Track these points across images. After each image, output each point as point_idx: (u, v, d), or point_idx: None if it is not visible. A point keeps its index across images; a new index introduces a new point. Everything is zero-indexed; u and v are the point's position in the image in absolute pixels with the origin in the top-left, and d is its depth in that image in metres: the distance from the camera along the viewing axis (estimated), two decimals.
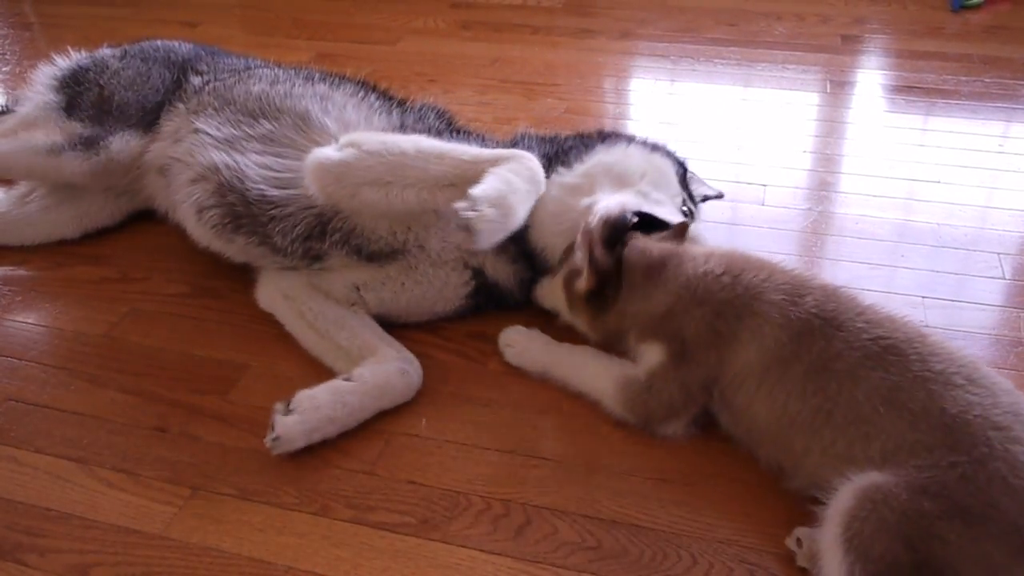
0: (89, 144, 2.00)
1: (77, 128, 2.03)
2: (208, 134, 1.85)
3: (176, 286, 1.97)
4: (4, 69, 3.24)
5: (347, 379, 1.56)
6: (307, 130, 1.82)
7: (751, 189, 2.34)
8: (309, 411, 1.49)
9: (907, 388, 1.25)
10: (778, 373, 1.37)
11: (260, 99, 1.89)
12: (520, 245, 1.75)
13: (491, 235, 1.51)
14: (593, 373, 1.60)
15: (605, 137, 1.88)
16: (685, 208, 1.81)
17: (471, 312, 1.82)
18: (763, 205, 2.28)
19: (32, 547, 1.36)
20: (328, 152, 1.65)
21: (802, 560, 1.29)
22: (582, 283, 1.55)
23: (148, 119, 2.01)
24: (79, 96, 2.08)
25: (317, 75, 1.98)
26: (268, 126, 1.84)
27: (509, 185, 1.55)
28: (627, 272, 1.54)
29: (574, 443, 1.55)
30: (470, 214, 1.47)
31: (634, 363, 1.56)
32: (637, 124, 2.77)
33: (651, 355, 1.51)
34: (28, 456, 1.52)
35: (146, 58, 2.12)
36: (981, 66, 3.08)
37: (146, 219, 2.14)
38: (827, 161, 2.53)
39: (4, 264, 2.07)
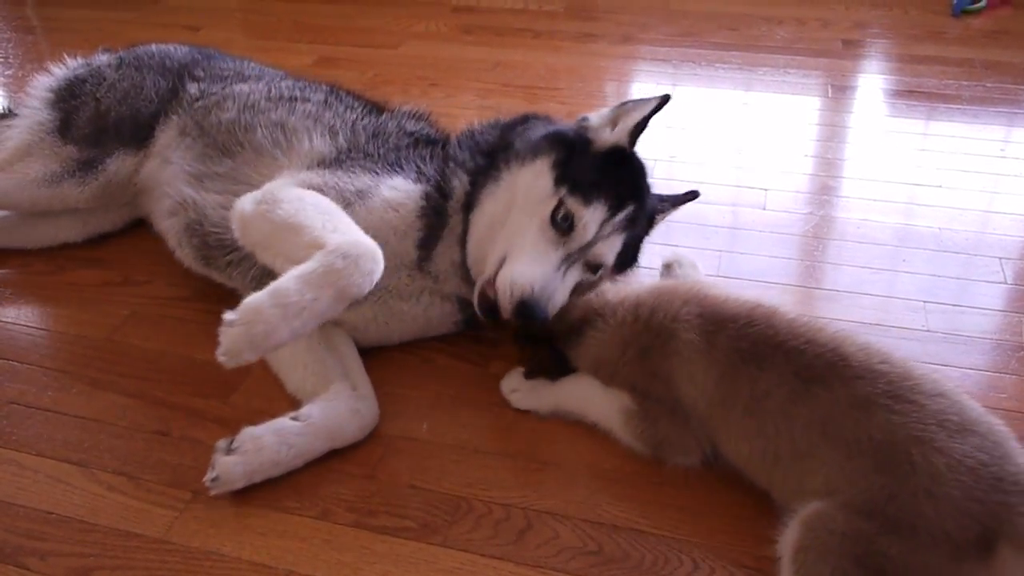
0: (86, 169, 2.00)
1: (73, 152, 2.02)
2: (180, 167, 1.86)
3: (178, 289, 1.97)
4: (7, 73, 3.25)
5: (295, 418, 1.50)
6: (259, 165, 1.79)
7: (752, 193, 2.35)
8: (251, 453, 1.44)
9: (835, 419, 1.26)
10: (722, 414, 1.38)
11: (228, 130, 1.87)
12: None
13: (235, 354, 1.35)
14: (599, 405, 1.56)
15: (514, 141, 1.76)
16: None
17: (467, 329, 1.80)
18: (764, 209, 2.28)
19: (33, 550, 1.36)
20: (245, 203, 1.59)
21: None
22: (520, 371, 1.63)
23: (143, 133, 2.00)
24: (75, 113, 2.06)
25: (285, 94, 1.92)
26: (230, 163, 1.82)
27: (277, 301, 1.37)
28: (558, 336, 1.57)
29: (575, 447, 1.54)
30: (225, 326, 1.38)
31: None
32: None
33: (614, 399, 1.52)
34: (29, 459, 1.52)
35: (140, 66, 2.10)
36: (982, 71, 3.09)
37: (147, 224, 2.13)
38: (828, 165, 2.53)
39: (6, 267, 2.07)
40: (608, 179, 1.63)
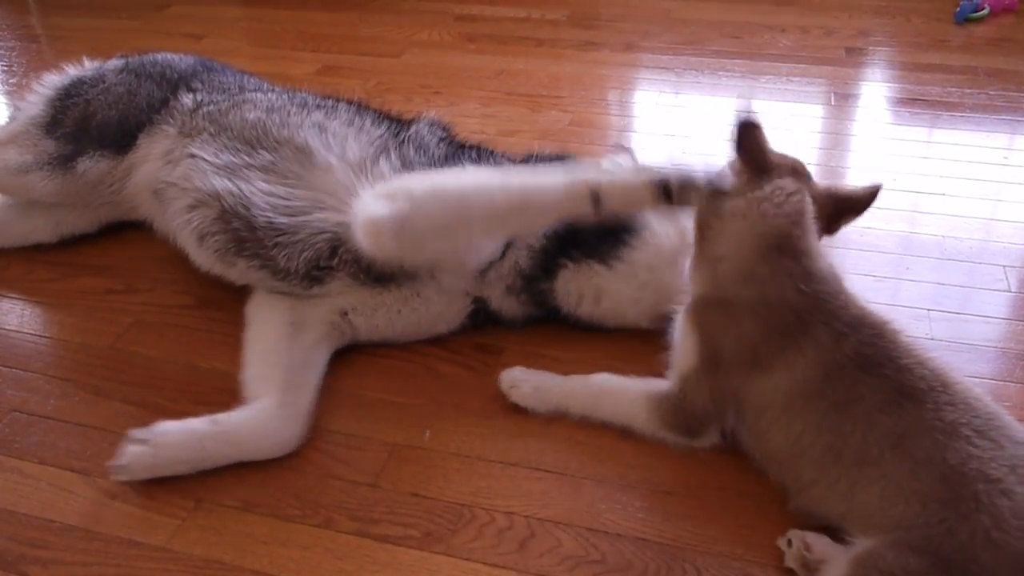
0: (56, 164, 2.02)
1: (50, 147, 2.04)
2: (206, 160, 1.82)
3: (181, 297, 1.97)
4: (11, 81, 3.26)
5: (213, 422, 1.52)
6: (310, 165, 1.77)
7: None
8: (160, 447, 1.46)
9: (915, 436, 1.25)
10: (800, 406, 1.36)
11: (256, 128, 1.85)
12: (537, 295, 1.78)
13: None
14: (618, 400, 1.56)
15: None
16: None
17: (468, 329, 1.81)
18: None
19: (35, 559, 1.35)
20: (377, 209, 1.52)
21: (790, 560, 1.30)
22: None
23: (125, 140, 2.01)
24: (65, 111, 2.07)
25: (311, 100, 1.94)
26: (268, 156, 1.80)
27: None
28: (751, 209, 1.43)
29: (578, 456, 1.54)
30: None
31: (663, 371, 1.54)
32: (641, 136, 2.77)
33: (685, 352, 1.47)
34: (32, 467, 1.52)
35: (140, 74, 2.10)
36: (985, 78, 3.08)
37: (150, 230, 2.13)
38: (832, 173, 2.52)
39: (9, 275, 2.07)
40: None
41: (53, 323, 1.93)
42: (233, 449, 1.51)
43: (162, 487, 1.47)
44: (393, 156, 1.78)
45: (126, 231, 2.17)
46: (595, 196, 1.49)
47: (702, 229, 1.48)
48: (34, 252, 2.13)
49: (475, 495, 1.46)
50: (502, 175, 1.59)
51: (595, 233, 1.74)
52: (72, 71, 2.19)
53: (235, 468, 1.51)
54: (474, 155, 1.85)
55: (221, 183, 1.77)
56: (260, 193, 1.75)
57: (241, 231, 1.75)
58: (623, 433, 1.57)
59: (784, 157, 1.51)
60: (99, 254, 2.13)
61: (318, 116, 1.86)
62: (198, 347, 1.81)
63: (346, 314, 1.75)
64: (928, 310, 1.89)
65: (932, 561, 1.15)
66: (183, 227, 1.84)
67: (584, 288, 1.76)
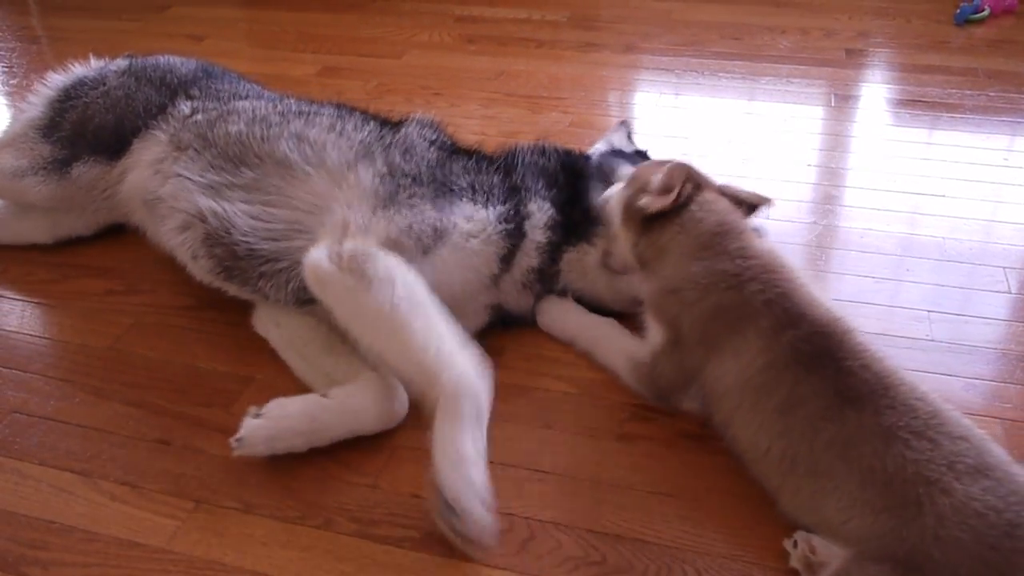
0: (51, 169, 2.03)
1: (46, 151, 2.05)
2: (191, 179, 1.81)
3: (181, 298, 1.97)
4: (11, 82, 3.26)
5: (324, 395, 1.54)
6: (290, 178, 1.75)
7: None
8: (277, 419, 1.49)
9: (857, 444, 1.26)
10: (752, 400, 1.38)
11: (239, 143, 1.82)
12: (547, 281, 1.82)
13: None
14: (611, 348, 1.69)
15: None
16: None
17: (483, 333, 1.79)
18: (767, 218, 2.27)
19: (35, 560, 1.35)
20: (322, 260, 1.54)
21: (794, 561, 1.30)
22: (653, 203, 1.53)
23: (119, 145, 2.01)
24: (64, 114, 2.08)
25: (294, 107, 1.92)
26: (250, 174, 1.77)
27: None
28: (687, 222, 1.53)
29: (577, 457, 1.54)
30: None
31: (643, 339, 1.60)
32: (641, 137, 2.77)
33: (654, 334, 1.54)
34: (31, 468, 1.52)
35: (141, 77, 2.10)
36: (985, 80, 3.09)
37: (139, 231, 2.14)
38: (832, 175, 2.53)
39: (9, 276, 2.07)
40: None
41: (53, 324, 1.93)
42: (346, 419, 1.53)
43: (162, 488, 1.48)
44: (379, 161, 1.73)
45: (126, 233, 2.17)
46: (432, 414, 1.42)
47: (643, 260, 1.59)
48: (34, 253, 2.13)
49: None
50: (427, 336, 1.47)
51: (585, 217, 1.82)
52: (77, 70, 2.19)
53: (235, 469, 1.51)
54: (465, 163, 1.81)
55: (205, 202, 1.76)
56: (241, 215, 1.73)
57: (225, 259, 1.74)
58: (622, 435, 1.57)
59: (681, 168, 1.56)
60: (99, 255, 2.13)
61: (297, 125, 1.83)
62: (198, 348, 1.81)
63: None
64: (928, 311, 1.89)
65: (891, 566, 1.17)
66: (178, 247, 1.84)
67: (579, 266, 1.83)
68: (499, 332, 1.80)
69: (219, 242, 1.73)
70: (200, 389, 1.70)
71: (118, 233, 2.18)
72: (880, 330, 1.82)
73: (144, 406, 1.66)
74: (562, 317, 1.81)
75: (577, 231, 1.82)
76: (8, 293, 2.02)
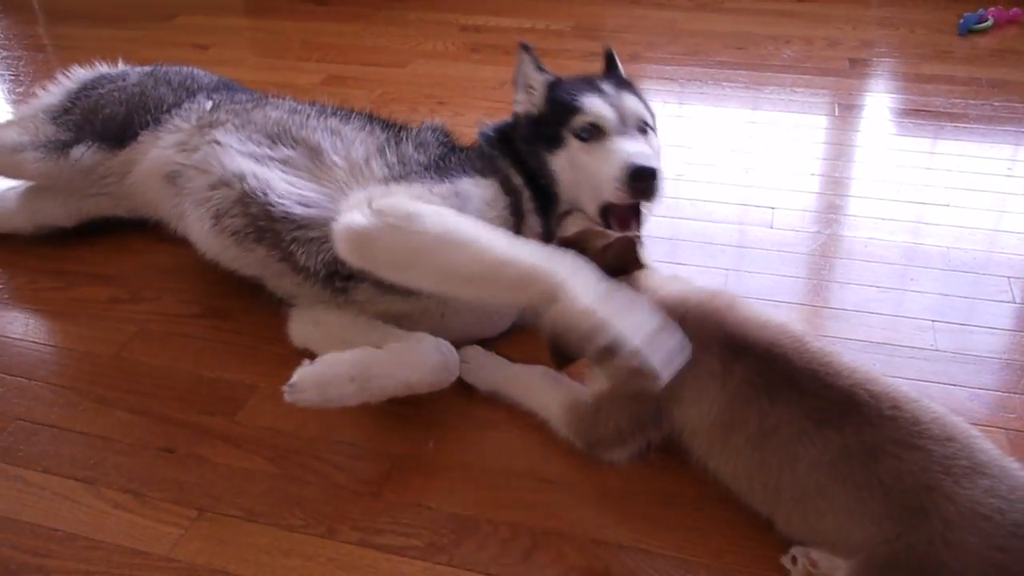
0: (51, 148, 2.06)
1: (50, 131, 2.08)
2: (232, 146, 1.85)
3: (186, 307, 1.97)
4: (18, 90, 3.27)
5: (379, 347, 1.55)
6: (321, 163, 1.80)
7: (759, 212, 2.35)
8: (330, 364, 1.49)
9: (844, 462, 1.25)
10: (722, 439, 1.37)
11: (279, 124, 1.89)
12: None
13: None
14: (541, 394, 1.61)
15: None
16: None
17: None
18: (771, 228, 2.28)
19: (38, 568, 1.35)
20: (354, 217, 1.50)
21: None
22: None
23: (126, 136, 2.03)
24: (77, 102, 2.12)
25: (329, 109, 1.97)
26: (287, 152, 1.83)
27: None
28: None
29: (582, 467, 1.54)
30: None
31: (586, 384, 1.57)
32: None
33: (600, 379, 1.51)
34: (35, 476, 1.52)
35: (160, 79, 2.14)
36: (989, 89, 3.09)
37: (156, 238, 2.14)
38: (836, 184, 2.53)
39: (13, 283, 2.08)
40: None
41: (57, 332, 1.93)
42: (401, 370, 1.52)
43: (165, 496, 1.48)
44: (389, 155, 1.80)
45: (130, 240, 2.18)
46: (551, 301, 1.36)
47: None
48: (39, 261, 2.14)
49: (479, 506, 1.46)
50: (490, 239, 1.45)
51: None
52: (101, 67, 2.24)
53: (239, 477, 1.51)
54: (464, 155, 1.84)
55: (248, 164, 1.80)
56: (280, 181, 1.77)
57: (259, 218, 1.75)
58: None
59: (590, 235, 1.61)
60: (104, 263, 2.13)
61: (333, 121, 1.89)
62: (203, 356, 1.81)
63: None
64: (932, 321, 1.89)
65: (904, 573, 1.17)
66: (199, 206, 1.84)
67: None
68: (500, 337, 1.80)
69: (256, 200, 1.75)
70: (204, 397, 1.70)
71: (123, 240, 2.19)
72: (884, 340, 1.82)
73: (148, 414, 1.66)
74: (485, 365, 1.70)
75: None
76: (13, 300, 2.02)
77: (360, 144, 1.83)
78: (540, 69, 1.87)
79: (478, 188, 1.72)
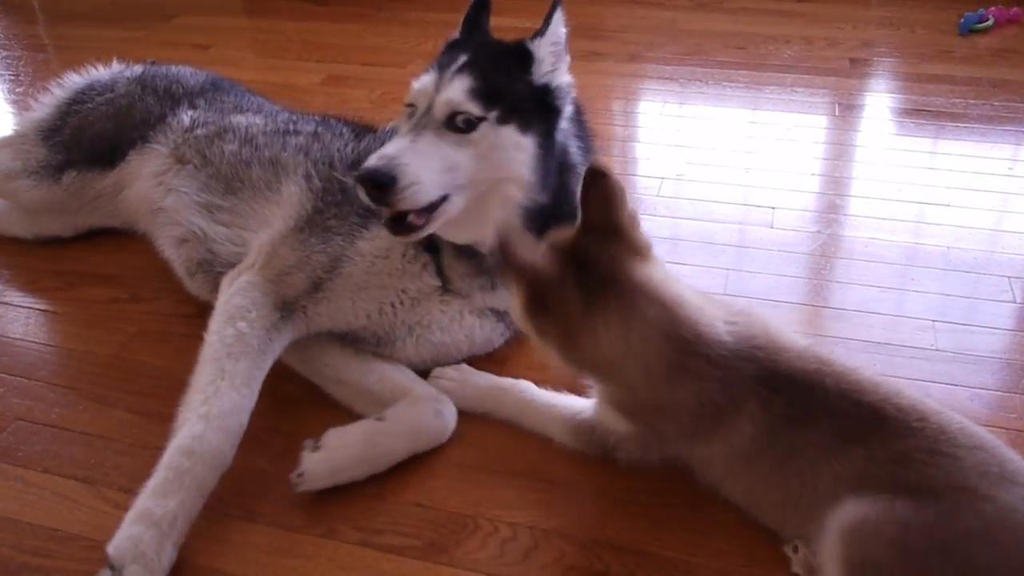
0: (43, 173, 2.06)
1: (41, 154, 2.08)
2: (187, 195, 1.87)
3: (185, 307, 1.97)
4: (17, 91, 3.27)
5: (379, 419, 1.52)
6: (257, 205, 1.79)
7: (760, 212, 2.34)
8: (337, 449, 1.46)
9: (872, 474, 1.23)
10: (742, 466, 1.35)
11: (231, 164, 1.87)
12: None
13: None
14: (540, 416, 1.57)
15: None
16: None
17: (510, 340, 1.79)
18: (772, 228, 2.28)
19: (38, 568, 1.35)
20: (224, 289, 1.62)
21: (796, 567, 1.30)
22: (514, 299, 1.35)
23: (114, 156, 2.04)
24: (68, 117, 2.11)
25: (280, 126, 1.93)
26: (233, 200, 1.83)
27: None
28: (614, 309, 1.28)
29: (582, 467, 1.54)
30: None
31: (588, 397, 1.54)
32: (645, 146, 2.77)
33: (609, 414, 1.43)
34: (35, 476, 1.52)
35: (146, 86, 2.12)
36: (990, 89, 3.09)
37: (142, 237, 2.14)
38: (836, 184, 2.52)
39: (14, 284, 2.08)
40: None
41: (58, 332, 1.93)
42: (405, 440, 1.51)
43: None
44: (316, 179, 1.77)
45: (130, 241, 2.18)
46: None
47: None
48: (39, 261, 2.14)
49: (478, 505, 1.46)
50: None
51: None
52: (94, 72, 2.22)
53: (239, 477, 1.50)
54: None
55: (197, 222, 1.82)
56: (222, 240, 1.79)
57: (213, 277, 1.76)
58: None
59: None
60: (104, 263, 2.13)
61: (274, 150, 1.86)
62: None
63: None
64: (933, 321, 1.89)
65: (938, 554, 1.15)
66: (176, 259, 1.89)
67: None
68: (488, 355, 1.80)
69: (207, 269, 1.80)
70: None
71: (123, 241, 2.19)
72: (885, 340, 1.82)
73: (148, 414, 1.66)
74: (468, 384, 1.64)
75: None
76: (13, 301, 2.02)
77: (288, 175, 1.80)
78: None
79: (370, 242, 1.66)
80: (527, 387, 1.63)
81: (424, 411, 1.54)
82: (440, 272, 1.66)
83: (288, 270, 1.62)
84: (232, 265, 1.72)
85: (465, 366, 1.69)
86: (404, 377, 1.64)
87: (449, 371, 1.67)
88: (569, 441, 1.54)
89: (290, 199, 1.75)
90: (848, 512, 1.20)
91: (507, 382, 1.64)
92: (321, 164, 1.78)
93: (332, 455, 1.45)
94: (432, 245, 1.65)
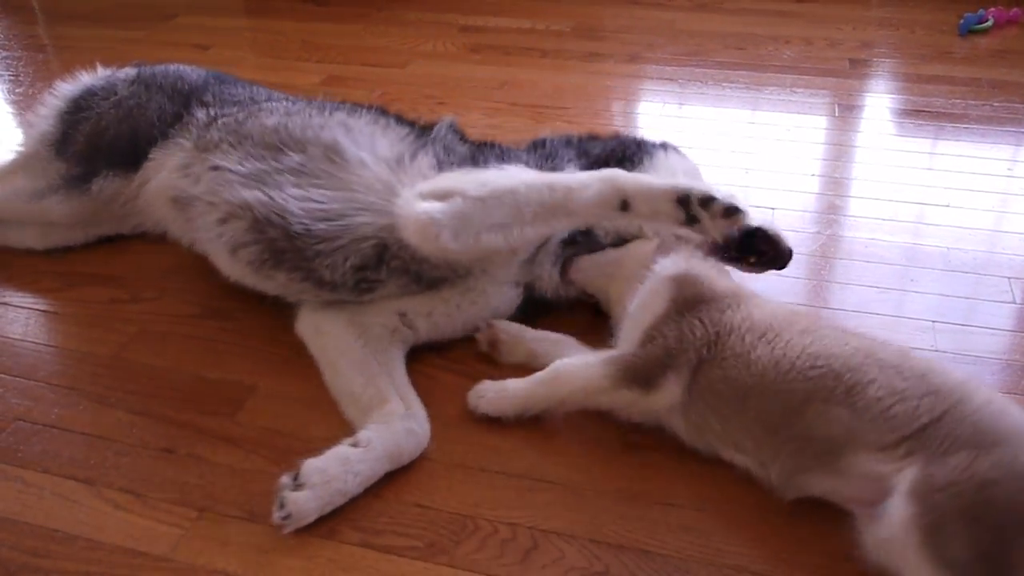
0: (71, 186, 2.03)
1: (62, 168, 2.05)
2: (231, 171, 1.78)
3: (186, 307, 1.97)
4: (17, 91, 3.27)
5: (354, 444, 1.49)
6: (342, 162, 1.75)
7: (759, 212, 2.34)
8: (320, 485, 1.41)
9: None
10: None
11: (278, 132, 1.82)
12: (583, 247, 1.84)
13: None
14: (574, 372, 1.56)
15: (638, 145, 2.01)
16: None
17: (518, 318, 1.83)
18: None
19: (37, 568, 1.35)
20: (429, 207, 1.58)
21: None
22: None
23: (136, 156, 2.00)
24: (76, 126, 2.07)
25: (329, 104, 1.94)
26: (296, 158, 1.77)
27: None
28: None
29: (581, 467, 1.54)
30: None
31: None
32: None
33: (651, 305, 1.57)
34: (35, 476, 1.52)
35: (151, 85, 2.09)
36: (990, 90, 3.09)
37: (156, 239, 2.13)
38: (836, 185, 2.53)
39: (14, 284, 2.08)
40: None
41: (58, 332, 1.93)
42: (383, 463, 1.49)
43: (165, 497, 1.48)
44: (431, 153, 1.82)
45: (130, 241, 2.18)
46: (623, 203, 1.58)
47: None
48: (39, 262, 2.14)
49: (478, 506, 1.46)
50: (541, 175, 1.67)
51: None
52: (84, 79, 2.18)
53: (239, 477, 1.51)
54: (497, 152, 1.88)
55: (250, 193, 1.73)
56: (293, 199, 1.71)
57: (278, 241, 1.71)
58: (626, 444, 1.57)
59: None
60: (104, 263, 2.13)
61: (341, 115, 1.87)
62: (203, 357, 1.81)
63: (404, 315, 1.74)
64: (933, 322, 1.89)
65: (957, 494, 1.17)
66: (214, 240, 1.80)
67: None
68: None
69: (271, 224, 1.70)
70: (205, 398, 1.70)
71: (123, 241, 2.19)
72: (884, 340, 1.82)
73: (148, 414, 1.66)
74: (504, 390, 1.63)
75: None
76: (13, 301, 2.02)
77: (382, 138, 1.82)
78: None
79: None
80: (556, 363, 1.60)
81: (396, 431, 1.53)
82: None
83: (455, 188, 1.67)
84: (309, 218, 1.69)
85: (492, 381, 1.66)
86: (387, 385, 1.63)
87: (482, 387, 1.65)
88: (610, 379, 1.50)
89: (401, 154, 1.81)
90: (909, 476, 1.22)
91: (539, 375, 1.61)
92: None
93: (317, 492, 1.41)
94: None
